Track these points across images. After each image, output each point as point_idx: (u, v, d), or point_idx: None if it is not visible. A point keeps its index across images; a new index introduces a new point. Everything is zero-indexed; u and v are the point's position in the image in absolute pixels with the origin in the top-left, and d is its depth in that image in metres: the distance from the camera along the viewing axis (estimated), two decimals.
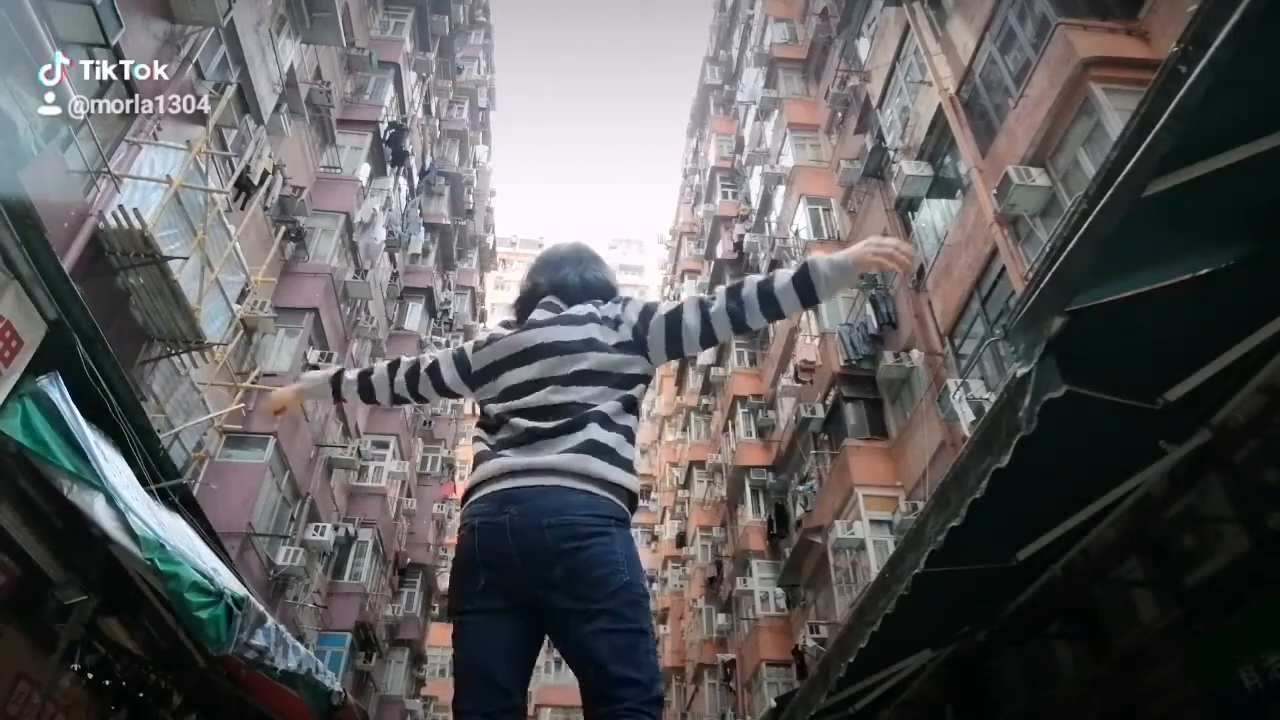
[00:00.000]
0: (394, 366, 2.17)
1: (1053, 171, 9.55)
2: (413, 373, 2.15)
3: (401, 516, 21.37)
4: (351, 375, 2.21)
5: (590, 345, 1.89)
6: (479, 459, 1.89)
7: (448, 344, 26.62)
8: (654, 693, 1.61)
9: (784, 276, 1.86)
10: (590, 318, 1.94)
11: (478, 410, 2.06)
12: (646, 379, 1.95)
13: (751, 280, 1.90)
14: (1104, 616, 6.60)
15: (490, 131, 34.34)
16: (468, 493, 1.86)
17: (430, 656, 26.47)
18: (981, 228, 10.55)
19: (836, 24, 17.99)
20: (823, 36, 19.20)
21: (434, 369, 2.12)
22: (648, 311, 1.95)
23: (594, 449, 1.78)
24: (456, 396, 2.14)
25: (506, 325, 2.09)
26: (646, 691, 1.60)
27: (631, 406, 1.90)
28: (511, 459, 1.79)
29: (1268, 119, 2.48)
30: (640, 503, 1.97)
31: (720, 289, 1.93)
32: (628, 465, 1.84)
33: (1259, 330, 3.22)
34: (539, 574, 1.68)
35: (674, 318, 1.92)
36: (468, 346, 2.12)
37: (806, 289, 1.85)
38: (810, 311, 17.20)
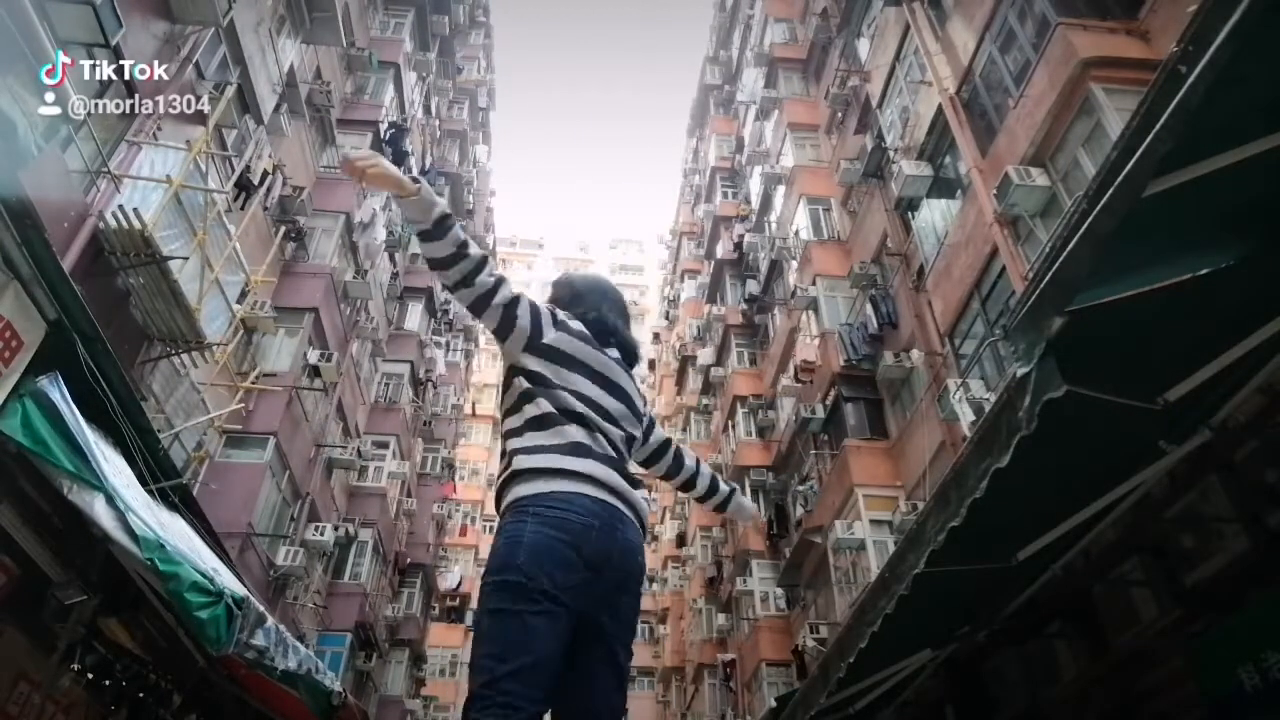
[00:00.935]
0: (484, 261, 1.91)
1: (1053, 171, 9.55)
2: (495, 286, 1.91)
3: (401, 516, 21.37)
4: (460, 232, 1.87)
5: (641, 419, 2.13)
6: (577, 448, 1.83)
7: (448, 344, 26.67)
8: None
9: (723, 484, 2.52)
10: (641, 395, 2.14)
11: (517, 365, 1.95)
12: None
13: (708, 469, 2.51)
14: (1104, 616, 6.61)
15: (490, 131, 34.38)
16: (562, 470, 1.80)
17: (430, 656, 26.46)
18: (981, 228, 10.54)
19: (836, 24, 17.98)
20: (823, 36, 19.19)
21: (515, 303, 1.94)
22: (653, 422, 2.31)
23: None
24: (498, 333, 1.94)
25: (580, 329, 2.04)
26: None
27: None
28: (618, 479, 1.87)
29: (1268, 119, 2.48)
30: None
31: (693, 454, 2.47)
32: None
33: (1259, 330, 3.22)
34: (613, 598, 1.80)
35: (667, 442, 2.38)
36: (544, 312, 2.00)
37: (724, 503, 2.51)
38: (810, 311, 17.26)
